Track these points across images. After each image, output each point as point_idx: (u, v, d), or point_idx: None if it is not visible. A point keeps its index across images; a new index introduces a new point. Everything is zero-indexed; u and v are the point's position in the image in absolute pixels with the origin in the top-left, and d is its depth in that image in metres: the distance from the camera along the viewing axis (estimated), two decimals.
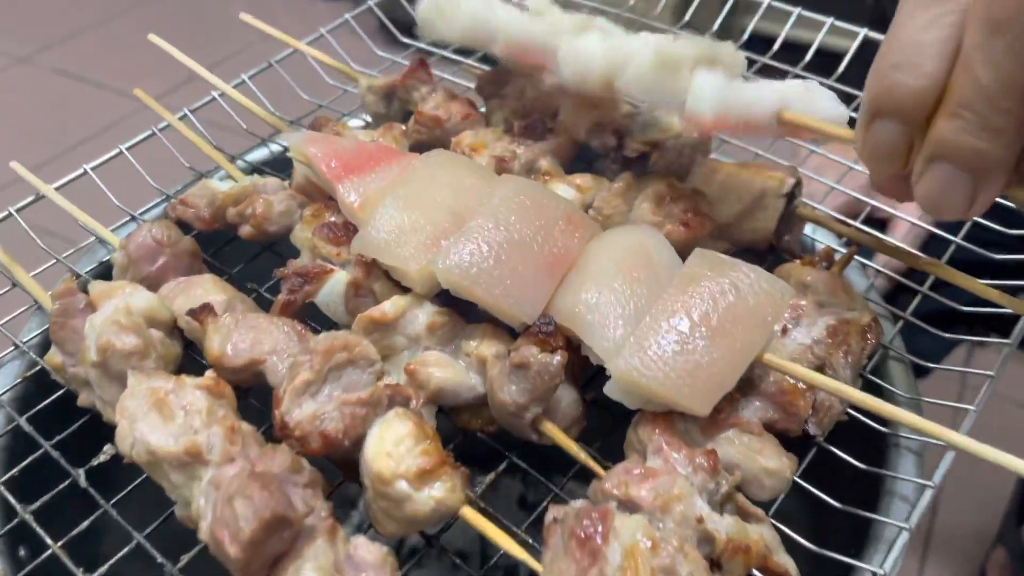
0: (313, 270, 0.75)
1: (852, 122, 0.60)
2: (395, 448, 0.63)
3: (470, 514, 0.64)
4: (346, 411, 0.65)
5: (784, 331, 0.74)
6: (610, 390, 0.66)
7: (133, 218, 0.98)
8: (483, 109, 0.99)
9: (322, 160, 0.79)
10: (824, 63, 1.07)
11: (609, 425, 0.75)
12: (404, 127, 0.94)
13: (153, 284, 0.79)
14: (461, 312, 0.76)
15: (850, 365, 0.73)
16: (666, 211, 0.80)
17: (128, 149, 1.03)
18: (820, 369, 0.71)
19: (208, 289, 0.75)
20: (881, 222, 1.20)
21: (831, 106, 0.72)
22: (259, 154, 1.08)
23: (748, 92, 0.73)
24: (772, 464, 0.65)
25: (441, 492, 0.62)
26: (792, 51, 1.13)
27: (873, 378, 0.78)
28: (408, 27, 1.08)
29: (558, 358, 0.66)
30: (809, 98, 0.73)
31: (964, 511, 1.98)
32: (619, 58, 0.77)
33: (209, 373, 0.68)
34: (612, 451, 0.71)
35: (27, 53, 3.57)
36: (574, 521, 0.60)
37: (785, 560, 0.65)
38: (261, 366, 0.70)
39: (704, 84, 0.73)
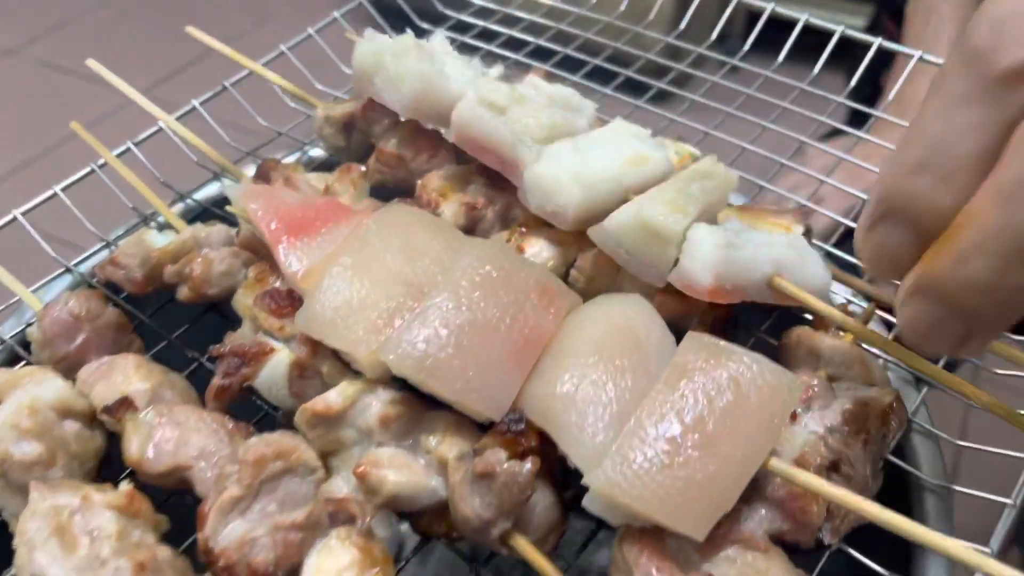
0: (251, 349, 0.66)
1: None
2: None
3: None
4: (279, 537, 0.55)
5: (793, 417, 0.64)
6: (589, 503, 0.56)
7: (68, 270, 0.88)
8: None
9: (262, 219, 0.69)
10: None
11: (592, 528, 0.65)
12: (364, 168, 0.84)
13: (73, 364, 0.69)
14: (422, 396, 0.66)
15: (870, 457, 0.63)
16: None
17: (64, 190, 0.93)
18: (836, 464, 0.61)
19: (129, 375, 0.65)
20: None
21: (818, 273, 0.69)
22: (211, 190, 0.97)
23: (745, 252, 0.67)
24: None
25: None
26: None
27: (894, 459, 0.69)
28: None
29: (528, 466, 0.56)
30: (800, 259, 0.68)
31: None
32: (595, 201, 0.71)
33: (124, 487, 0.58)
34: (596, 561, 0.62)
35: None
36: None
37: None
38: (187, 472, 0.61)
39: (704, 244, 0.65)
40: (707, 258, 0.64)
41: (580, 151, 0.73)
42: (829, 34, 1.02)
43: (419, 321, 0.61)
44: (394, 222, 0.68)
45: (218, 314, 0.80)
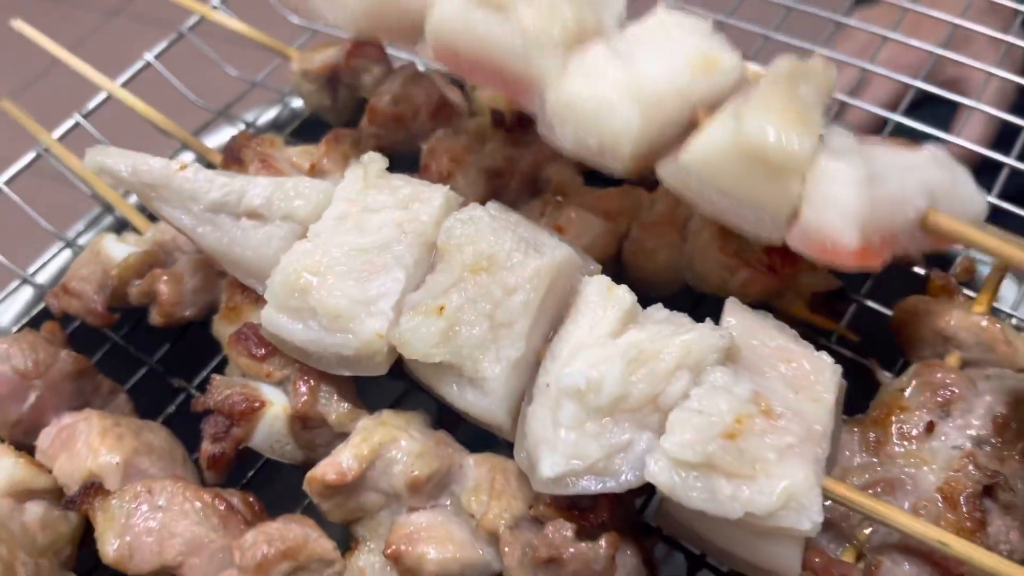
0: (239, 407, 0.53)
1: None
2: None
3: None
4: None
5: (930, 428, 0.50)
6: None
7: (25, 280, 0.75)
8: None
9: None
10: None
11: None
12: (354, 135, 0.68)
13: (29, 428, 0.57)
14: (453, 433, 0.53)
15: None
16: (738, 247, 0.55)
17: (8, 183, 0.78)
18: (991, 490, 0.48)
19: (94, 445, 0.53)
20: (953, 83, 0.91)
21: (974, 196, 0.52)
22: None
23: (892, 185, 0.48)
24: None
25: None
26: None
27: None
28: None
29: (604, 549, 0.44)
30: (951, 179, 0.51)
31: None
32: (660, 125, 0.51)
33: None
34: None
35: None
36: None
37: None
38: (178, 571, 0.49)
39: (845, 188, 0.47)
40: (848, 204, 0.46)
41: (621, 57, 0.52)
42: None
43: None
44: None
45: (204, 326, 0.66)
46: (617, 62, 0.52)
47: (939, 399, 0.51)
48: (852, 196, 0.46)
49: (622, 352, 0.45)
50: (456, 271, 0.50)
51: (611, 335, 0.47)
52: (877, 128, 0.85)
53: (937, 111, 0.80)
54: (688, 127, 0.52)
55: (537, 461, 0.45)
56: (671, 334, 0.46)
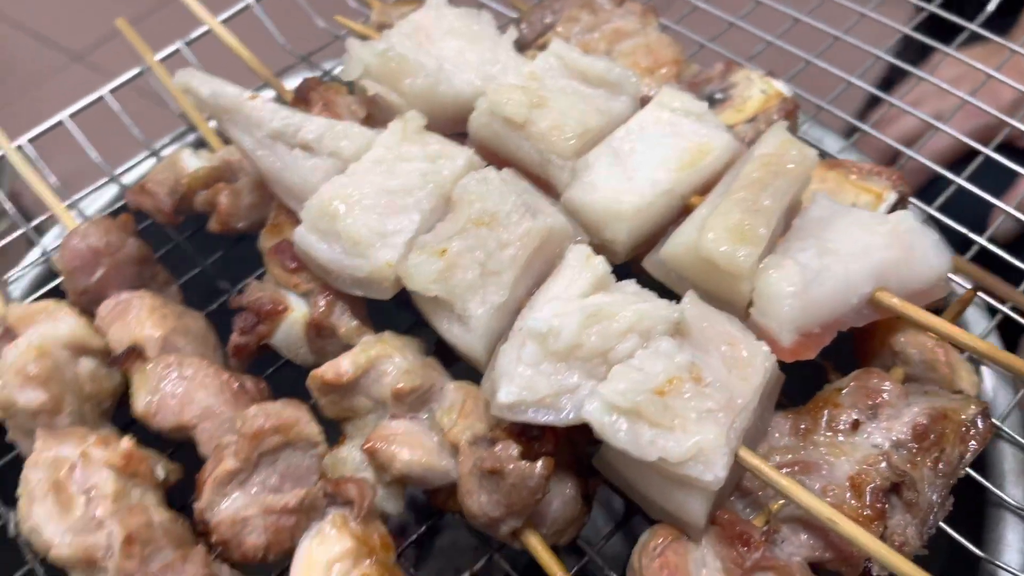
0: (266, 307, 0.62)
1: None
2: (326, 573, 0.50)
3: None
4: (271, 520, 0.52)
5: (855, 426, 0.56)
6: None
7: (112, 179, 0.85)
8: None
9: None
10: None
11: (617, 521, 0.60)
12: None
13: (94, 298, 0.67)
14: (441, 359, 0.61)
15: (940, 481, 0.55)
16: None
17: (113, 92, 0.89)
18: (897, 487, 0.54)
19: (143, 319, 0.63)
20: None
21: (934, 263, 0.59)
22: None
23: (833, 281, 0.57)
24: None
25: None
26: None
27: (973, 473, 0.60)
28: None
29: (540, 470, 0.51)
30: (905, 256, 0.58)
31: None
32: (649, 223, 0.63)
33: (124, 444, 0.56)
34: (614, 563, 0.57)
35: None
36: None
37: None
38: (191, 432, 0.58)
39: (779, 298, 0.56)
40: (783, 314, 0.55)
41: (621, 159, 0.62)
42: None
43: None
44: None
45: (253, 241, 0.76)
46: (615, 173, 0.63)
47: (870, 402, 0.57)
48: (786, 308, 0.55)
49: (584, 308, 0.53)
50: (462, 222, 0.58)
51: (581, 295, 0.55)
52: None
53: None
54: (683, 213, 0.63)
55: (497, 390, 0.53)
56: (631, 302, 0.53)
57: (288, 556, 0.53)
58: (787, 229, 0.62)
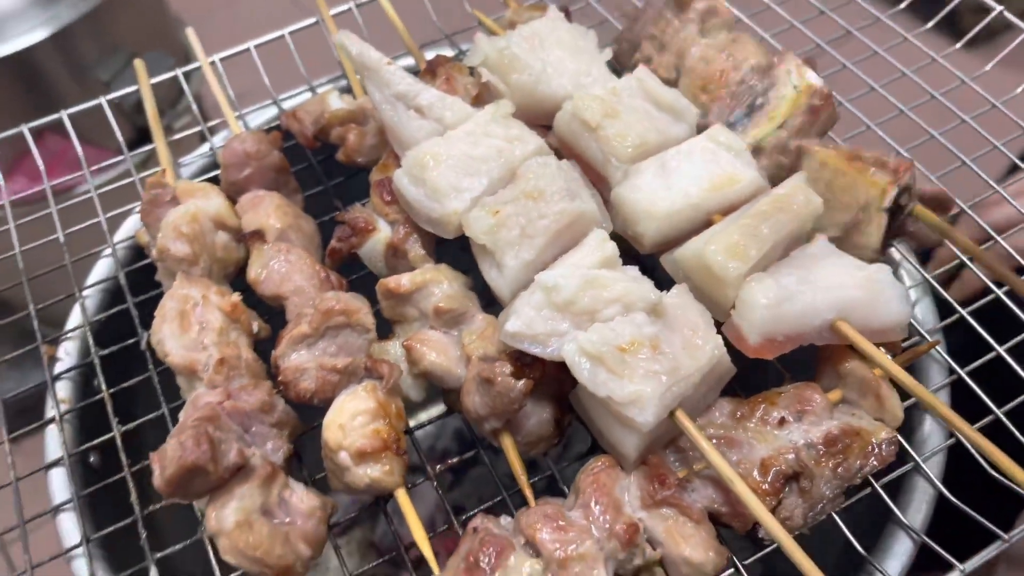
0: (360, 224, 0.80)
1: None
2: (350, 420, 0.68)
3: (403, 498, 0.69)
4: (322, 374, 0.71)
5: (781, 422, 0.69)
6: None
7: (275, 102, 1.06)
8: None
9: None
10: None
11: (585, 451, 0.76)
12: None
13: (239, 190, 0.87)
14: (478, 286, 0.78)
15: (835, 482, 0.68)
16: None
17: (291, 33, 1.10)
18: (797, 476, 0.67)
19: (270, 212, 0.82)
20: None
21: (893, 311, 0.72)
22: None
23: (803, 303, 0.70)
24: (694, 556, 0.64)
25: (377, 473, 0.68)
26: None
27: (883, 495, 0.72)
28: None
29: (520, 387, 0.68)
30: (871, 299, 0.71)
31: None
32: (673, 228, 0.77)
33: (234, 297, 0.76)
34: (569, 483, 0.73)
35: None
36: (475, 544, 0.64)
37: None
38: (284, 301, 0.77)
39: (753, 306, 0.69)
40: (755, 318, 0.69)
41: (666, 171, 0.77)
42: None
43: None
44: None
45: (367, 174, 0.95)
46: (658, 182, 0.78)
47: (799, 408, 0.70)
48: (758, 315, 0.69)
49: (585, 276, 0.68)
50: (517, 192, 0.75)
51: (589, 267, 0.70)
52: None
53: None
54: (705, 225, 0.77)
55: (506, 321, 0.69)
56: (624, 280, 0.69)
57: (327, 404, 0.71)
58: (783, 256, 0.76)
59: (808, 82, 0.83)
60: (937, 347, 0.80)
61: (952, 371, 0.80)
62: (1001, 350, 0.79)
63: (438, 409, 0.97)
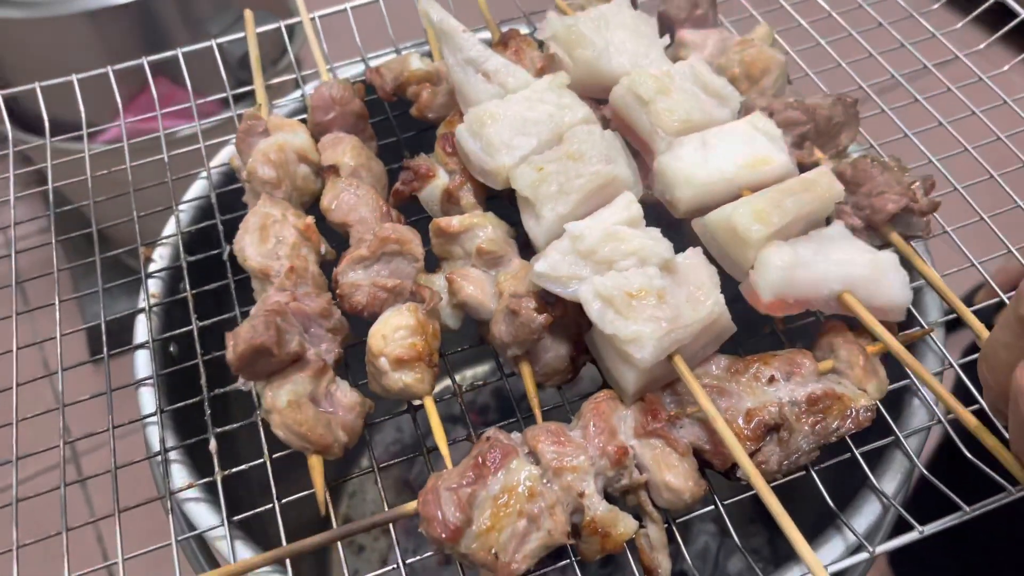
0: (422, 170, 0.91)
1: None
2: (392, 333, 0.79)
3: (429, 405, 0.80)
4: (373, 291, 0.82)
5: (771, 380, 0.77)
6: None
7: (363, 60, 1.18)
8: None
9: None
10: None
11: (595, 390, 0.85)
12: None
13: (323, 129, 0.99)
14: (519, 236, 0.88)
15: (812, 437, 0.75)
16: None
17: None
18: (777, 427, 0.75)
19: (346, 151, 0.93)
20: None
21: (896, 294, 0.79)
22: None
23: (814, 271, 0.78)
24: (675, 483, 0.73)
25: (410, 379, 0.78)
26: None
27: (862, 462, 0.80)
28: None
29: (540, 319, 0.77)
30: (876, 278, 0.79)
31: None
32: (706, 197, 0.85)
33: (308, 220, 0.87)
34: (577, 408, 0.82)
35: None
36: (485, 448, 0.74)
37: (662, 559, 0.75)
38: (349, 228, 0.88)
39: (770, 266, 0.77)
40: (770, 277, 0.78)
41: (706, 147, 0.85)
42: None
43: None
44: None
45: (435, 130, 1.05)
46: (699, 152, 0.86)
47: (789, 370, 0.78)
48: (772, 275, 0.77)
49: (607, 229, 0.77)
50: (560, 153, 0.84)
51: (614, 223, 0.79)
52: None
53: None
54: (734, 197, 0.85)
55: (536, 263, 0.79)
56: (642, 237, 0.78)
57: (375, 317, 0.82)
58: (803, 233, 0.83)
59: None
60: (933, 336, 0.87)
61: (946, 362, 0.87)
62: None
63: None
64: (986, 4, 1.15)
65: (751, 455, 0.74)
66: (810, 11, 1.18)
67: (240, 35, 1.15)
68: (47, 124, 1.10)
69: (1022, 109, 1.04)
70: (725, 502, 0.78)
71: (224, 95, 1.13)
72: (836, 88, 1.05)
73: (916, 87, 1.08)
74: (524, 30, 1.19)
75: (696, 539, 1.52)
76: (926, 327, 0.87)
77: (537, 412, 0.79)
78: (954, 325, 0.89)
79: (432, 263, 0.88)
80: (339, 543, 0.73)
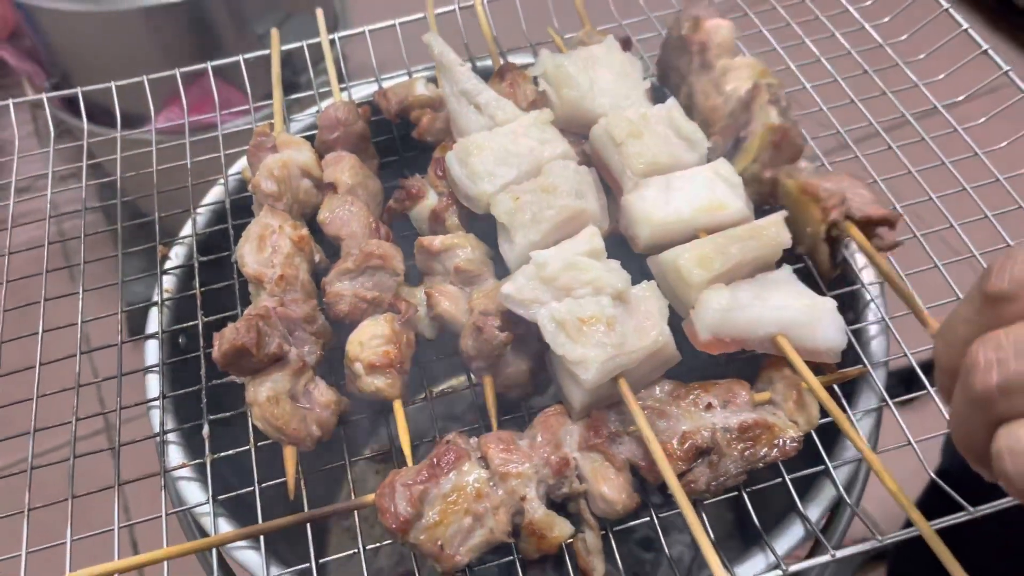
0: (414, 190, 0.99)
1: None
2: (368, 340, 0.87)
3: (398, 408, 0.88)
4: (354, 301, 0.90)
5: (708, 407, 0.84)
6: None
7: (376, 80, 1.27)
8: None
9: None
10: None
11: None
12: None
13: (327, 148, 1.07)
14: (495, 257, 0.95)
15: (740, 462, 0.82)
16: None
17: (400, 25, 1.30)
18: (708, 451, 0.82)
19: (345, 169, 1.02)
20: None
21: (829, 338, 0.85)
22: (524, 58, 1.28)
23: (749, 314, 0.84)
24: (609, 494, 0.80)
25: (382, 383, 0.87)
26: None
27: (790, 484, 0.86)
28: None
29: (502, 337, 0.85)
30: (811, 323, 0.84)
31: None
32: (663, 237, 0.92)
33: (303, 231, 0.96)
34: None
35: None
36: (442, 450, 0.82)
37: (597, 563, 0.82)
38: (340, 241, 0.97)
39: (708, 307, 0.84)
40: (707, 318, 0.85)
41: (669, 189, 0.92)
42: None
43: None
44: None
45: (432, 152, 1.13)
46: (661, 196, 0.93)
47: (726, 399, 0.85)
48: (709, 315, 0.84)
49: (568, 259, 0.85)
50: (536, 185, 0.92)
51: (577, 254, 0.87)
52: None
53: None
54: (690, 238, 0.92)
55: (504, 285, 0.87)
56: (600, 269, 0.85)
57: (355, 325, 0.90)
58: (749, 276, 0.90)
59: (770, 122, 0.96)
60: (872, 375, 0.93)
61: (883, 400, 0.93)
62: (932, 390, 0.91)
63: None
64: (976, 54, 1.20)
65: (682, 475, 0.81)
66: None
67: (294, 45, 1.25)
68: (119, 120, 1.21)
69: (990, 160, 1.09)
70: (660, 515, 0.85)
71: (246, 108, 1.22)
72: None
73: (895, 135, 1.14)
74: (530, 60, 1.27)
75: (672, 547, 1.59)
76: (868, 366, 0.93)
77: (493, 421, 0.87)
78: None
79: (417, 276, 0.96)
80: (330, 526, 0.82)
